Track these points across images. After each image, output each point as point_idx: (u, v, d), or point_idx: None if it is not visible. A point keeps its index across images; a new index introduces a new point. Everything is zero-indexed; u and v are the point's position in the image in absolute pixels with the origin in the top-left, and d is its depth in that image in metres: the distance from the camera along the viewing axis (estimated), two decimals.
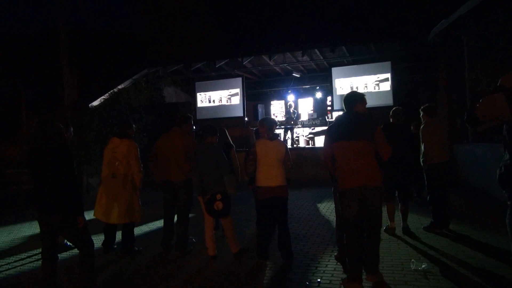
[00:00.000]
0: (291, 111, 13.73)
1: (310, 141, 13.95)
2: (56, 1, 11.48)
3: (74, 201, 3.39)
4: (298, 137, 14.52)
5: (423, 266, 3.87)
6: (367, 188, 3.47)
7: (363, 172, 3.47)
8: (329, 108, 14.83)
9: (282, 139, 11.29)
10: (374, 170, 3.52)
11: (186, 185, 4.87)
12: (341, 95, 12.42)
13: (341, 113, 9.98)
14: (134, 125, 5.13)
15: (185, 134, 5.03)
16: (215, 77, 14.54)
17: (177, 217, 4.90)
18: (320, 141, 12.93)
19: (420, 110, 5.48)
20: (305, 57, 13.14)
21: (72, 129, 5.05)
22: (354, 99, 3.71)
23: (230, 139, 5.77)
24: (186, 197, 4.90)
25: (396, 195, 5.27)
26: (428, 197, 5.35)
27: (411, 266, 3.93)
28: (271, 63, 13.71)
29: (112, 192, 4.72)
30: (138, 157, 4.87)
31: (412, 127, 7.05)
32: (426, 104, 5.46)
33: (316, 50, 12.52)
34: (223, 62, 13.44)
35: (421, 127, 5.30)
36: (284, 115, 14.26)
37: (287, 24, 12.31)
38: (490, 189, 7.51)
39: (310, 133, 14.18)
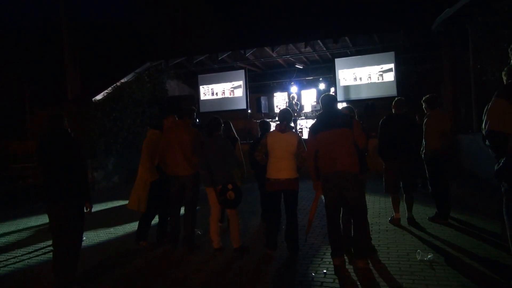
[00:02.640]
0: (294, 102, 13.68)
1: None
2: None
3: (81, 187, 3.52)
4: (301, 128, 14.49)
5: (429, 256, 3.87)
6: (344, 173, 3.77)
7: (339, 159, 3.79)
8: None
9: None
10: (351, 157, 3.80)
11: (193, 180, 4.85)
12: (345, 86, 12.38)
13: (344, 104, 10.00)
14: (137, 119, 5.16)
15: (190, 126, 5.02)
16: (218, 70, 14.50)
17: (185, 211, 4.89)
18: None
19: (422, 101, 5.44)
20: (308, 49, 13.08)
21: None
22: (332, 100, 4.18)
23: (235, 132, 5.76)
24: (194, 191, 4.89)
25: (401, 186, 5.26)
26: (430, 189, 5.34)
27: (417, 257, 3.93)
28: (274, 54, 13.65)
29: (140, 180, 4.92)
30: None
31: (417, 118, 7.01)
32: (428, 95, 5.41)
33: (319, 41, 12.45)
34: (226, 55, 13.39)
35: (424, 120, 5.27)
36: (287, 107, 14.20)
37: (290, 16, 12.20)
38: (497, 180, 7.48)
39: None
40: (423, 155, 5.27)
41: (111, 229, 6.03)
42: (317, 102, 15.33)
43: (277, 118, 4.59)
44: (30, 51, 14.57)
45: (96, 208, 7.68)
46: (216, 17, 13.12)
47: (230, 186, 4.40)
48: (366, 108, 12.67)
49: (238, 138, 5.81)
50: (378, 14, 11.20)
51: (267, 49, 13.13)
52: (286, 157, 4.32)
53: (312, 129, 4.02)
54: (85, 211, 3.65)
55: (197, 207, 4.98)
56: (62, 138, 3.57)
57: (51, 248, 5.14)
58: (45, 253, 5.05)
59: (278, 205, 4.49)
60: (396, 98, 5.37)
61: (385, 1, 11.15)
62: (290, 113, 4.56)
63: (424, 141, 5.22)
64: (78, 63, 11.81)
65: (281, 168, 4.32)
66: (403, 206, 5.32)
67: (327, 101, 4.09)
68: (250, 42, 12.43)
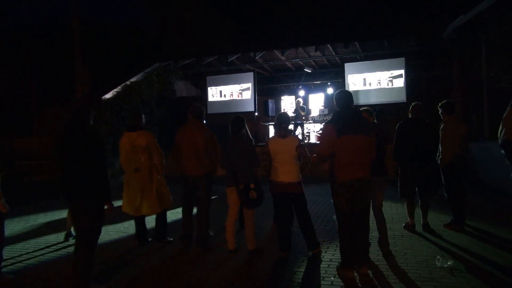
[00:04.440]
0: (300, 106, 13.59)
1: None
2: None
3: (103, 186, 3.45)
4: (308, 132, 14.46)
5: (448, 263, 3.82)
6: (361, 180, 3.64)
7: (361, 166, 3.64)
8: None
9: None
10: (369, 163, 3.74)
11: (206, 179, 4.81)
12: (354, 91, 12.31)
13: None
14: (143, 116, 5.10)
15: (204, 127, 4.98)
16: (226, 72, 14.50)
17: (197, 211, 4.86)
18: None
19: (438, 107, 5.39)
20: (317, 53, 13.07)
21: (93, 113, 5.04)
22: (351, 98, 3.83)
23: (249, 133, 5.73)
24: (206, 191, 4.85)
25: (416, 191, 5.21)
26: (446, 195, 5.28)
27: (437, 263, 3.88)
28: (283, 58, 13.66)
29: (139, 186, 4.73)
30: (158, 147, 4.89)
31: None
32: (445, 101, 5.36)
33: (328, 45, 12.44)
34: (235, 57, 13.39)
35: (441, 126, 5.22)
36: (293, 111, 14.15)
37: (301, 19, 12.20)
38: (509, 188, 7.41)
39: (321, 129, 14.09)
40: (439, 161, 5.21)
41: (121, 227, 6.00)
42: (325, 106, 15.33)
43: (275, 123, 4.53)
44: (39, 49, 14.63)
45: None
46: (226, 18, 13.13)
47: (252, 186, 4.37)
48: (374, 114, 12.60)
49: (253, 139, 5.78)
50: (389, 20, 11.19)
51: (277, 52, 13.14)
52: (289, 161, 4.31)
53: (337, 129, 3.60)
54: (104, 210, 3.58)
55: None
56: (85, 134, 3.49)
57: (61, 245, 5.19)
58: (57, 250, 5.02)
59: (285, 207, 4.46)
60: (413, 103, 5.31)
61: (397, 7, 11.13)
62: (289, 117, 4.56)
63: (441, 147, 5.17)
64: (88, 62, 11.83)
65: (284, 172, 4.31)
66: (417, 212, 5.27)
67: (346, 99, 3.77)
68: (260, 45, 12.44)
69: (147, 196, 4.72)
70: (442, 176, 5.24)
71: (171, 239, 5.14)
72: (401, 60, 11.78)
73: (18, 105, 14.38)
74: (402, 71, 11.72)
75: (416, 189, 5.18)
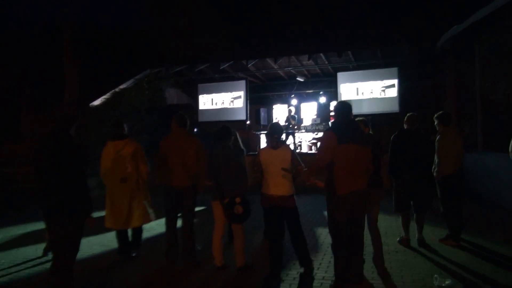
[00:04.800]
0: (291, 116, 13.44)
1: (313, 146, 13.72)
2: None
3: (82, 200, 3.24)
4: (300, 142, 14.31)
5: (447, 282, 3.64)
6: (360, 192, 3.55)
7: (360, 177, 3.56)
8: (332, 113, 14.62)
9: None
10: (367, 175, 3.66)
11: (192, 190, 4.60)
12: (346, 101, 12.20)
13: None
14: (135, 127, 4.91)
15: (191, 135, 4.79)
16: (218, 79, 14.32)
17: (183, 224, 4.63)
18: None
19: (434, 118, 5.25)
20: (310, 62, 12.95)
21: (75, 125, 4.86)
22: (351, 109, 3.78)
23: (241, 143, 5.53)
24: (191, 203, 4.64)
25: (411, 205, 5.04)
26: (441, 209, 5.12)
27: (434, 282, 3.69)
28: (275, 66, 13.53)
29: (126, 197, 4.53)
30: (145, 157, 4.68)
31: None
32: (441, 112, 5.22)
33: (321, 54, 12.34)
34: (227, 65, 13.23)
35: (437, 137, 5.08)
36: (285, 120, 13.99)
37: (294, 27, 12.11)
38: (503, 200, 7.29)
39: (313, 138, 13.96)
40: (435, 174, 5.06)
41: (105, 240, 5.73)
42: (317, 115, 15.21)
43: (267, 132, 4.33)
44: (28, 52, 14.31)
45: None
46: (219, 26, 13.00)
47: (238, 200, 4.15)
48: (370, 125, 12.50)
49: (244, 149, 5.59)
50: (383, 29, 11.13)
51: (269, 61, 13.00)
52: (281, 173, 4.08)
53: (338, 136, 3.49)
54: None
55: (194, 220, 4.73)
56: (65, 144, 3.26)
57: (40, 260, 4.92)
58: (35, 265, 4.76)
59: (276, 221, 4.23)
60: (408, 114, 5.17)
61: (390, 17, 11.09)
62: (281, 127, 4.35)
63: (437, 159, 5.02)
64: (78, 67, 11.59)
65: (276, 184, 4.10)
66: (412, 225, 5.10)
67: (346, 110, 3.73)
68: (253, 53, 12.29)
69: (137, 207, 4.53)
70: (438, 189, 5.09)
71: (134, 254, 4.91)
72: (394, 70, 11.72)
73: (5, 109, 13.99)
74: (395, 81, 11.66)
75: (411, 202, 5.02)
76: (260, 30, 12.34)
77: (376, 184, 4.07)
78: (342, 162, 3.48)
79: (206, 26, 13.23)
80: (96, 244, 5.56)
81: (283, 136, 4.40)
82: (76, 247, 3.33)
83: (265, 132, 5.97)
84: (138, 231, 4.96)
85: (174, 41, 13.34)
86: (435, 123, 5.17)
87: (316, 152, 12.96)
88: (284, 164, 4.09)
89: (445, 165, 4.91)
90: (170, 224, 4.68)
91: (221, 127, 4.51)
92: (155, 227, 6.34)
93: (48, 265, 4.51)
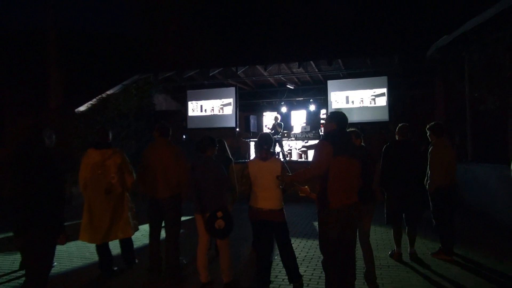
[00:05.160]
0: (277, 123, 13.31)
1: (303, 155, 13.63)
2: (47, 0, 11.05)
3: (55, 215, 3.00)
4: (290, 149, 14.20)
5: None
6: (354, 206, 3.44)
7: (353, 190, 3.45)
8: (322, 121, 14.58)
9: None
10: (357, 189, 3.54)
11: (172, 202, 4.42)
12: (337, 109, 12.15)
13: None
14: (122, 133, 4.69)
15: (170, 144, 4.62)
16: (208, 86, 14.17)
17: (166, 238, 4.44)
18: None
19: (426, 129, 5.16)
20: (300, 69, 12.89)
21: (54, 136, 4.63)
22: (347, 119, 3.62)
23: (229, 152, 5.38)
24: (174, 214, 4.45)
25: (403, 217, 4.93)
26: (434, 222, 5.01)
27: None
28: (265, 73, 13.43)
29: (109, 209, 4.28)
30: (131, 167, 4.49)
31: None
32: (433, 123, 5.13)
33: (311, 62, 12.29)
34: (217, 71, 13.10)
35: (429, 148, 4.99)
36: (271, 128, 13.87)
37: (284, 35, 12.04)
38: (493, 211, 7.25)
39: (303, 146, 13.87)
40: (427, 186, 4.96)
41: (87, 253, 5.50)
42: (307, 123, 15.14)
43: (256, 144, 4.19)
44: (12, 55, 13.98)
45: (70, 223, 7.14)
46: (208, 32, 12.86)
47: (219, 214, 3.95)
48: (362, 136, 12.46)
49: (232, 159, 5.44)
50: (373, 38, 11.13)
51: (259, 68, 12.90)
52: (270, 186, 3.93)
53: (333, 148, 3.34)
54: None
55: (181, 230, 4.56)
56: (36, 154, 3.06)
57: (16, 274, 4.68)
58: (9, 280, 4.51)
59: (264, 236, 4.07)
60: (400, 124, 5.07)
61: (380, 26, 11.10)
62: (271, 137, 4.19)
63: (430, 170, 4.92)
64: (63, 71, 11.34)
65: (264, 197, 3.93)
66: (404, 239, 4.99)
67: (344, 121, 3.57)
68: (243, 59, 12.18)
69: (119, 220, 4.28)
70: (430, 201, 4.99)
71: (116, 268, 4.68)
72: (384, 78, 11.70)
73: None
74: (384, 90, 11.64)
75: (403, 215, 4.91)
76: (250, 37, 12.25)
77: (369, 199, 3.95)
78: (336, 175, 3.34)
79: (195, 32, 13.08)
80: (77, 257, 5.33)
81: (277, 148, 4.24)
82: (47, 265, 3.13)
83: (255, 139, 5.84)
84: (127, 244, 4.73)
85: (163, 47, 13.17)
86: (428, 134, 5.09)
87: (305, 160, 12.88)
88: (273, 176, 3.95)
89: (438, 177, 4.81)
90: (154, 236, 4.50)
91: (203, 137, 4.32)
92: (140, 238, 6.14)
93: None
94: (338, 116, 3.61)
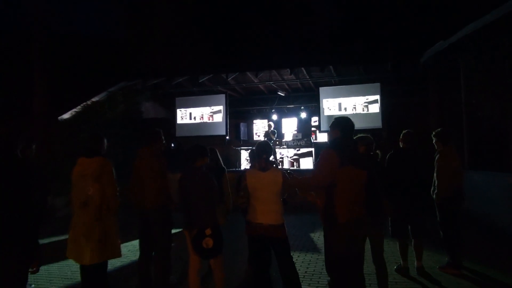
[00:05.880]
0: (271, 131, 13.07)
1: (295, 163, 13.35)
2: (31, 4, 10.64)
3: (28, 236, 2.63)
4: (282, 158, 13.91)
5: None
6: (363, 219, 3.19)
7: (361, 203, 3.17)
8: (313, 128, 14.37)
9: None
10: (364, 200, 3.26)
11: (161, 214, 4.10)
12: (329, 116, 11.94)
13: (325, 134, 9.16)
14: (105, 140, 4.23)
15: (156, 154, 4.30)
16: (197, 93, 13.84)
17: (155, 254, 4.09)
18: (306, 163, 12.35)
19: (432, 136, 4.92)
20: (291, 76, 12.68)
21: (34, 146, 4.23)
22: (353, 126, 3.35)
23: (221, 161, 5.06)
24: (161, 229, 4.11)
25: (409, 230, 4.65)
26: (441, 234, 4.75)
27: None
28: (256, 80, 13.18)
29: (83, 226, 3.72)
30: (113, 178, 4.00)
31: (378, 153, 6.50)
32: (439, 129, 4.90)
33: (303, 68, 12.09)
34: (206, 78, 12.79)
35: (436, 157, 4.74)
36: (264, 135, 13.62)
37: (275, 42, 11.83)
38: (494, 220, 7.04)
39: (295, 154, 13.59)
40: (434, 196, 4.70)
41: (68, 272, 5.07)
42: (298, 130, 14.88)
43: (254, 153, 3.87)
44: None
45: (52, 239, 6.69)
46: (198, 38, 12.58)
47: (208, 232, 3.60)
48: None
49: (225, 168, 5.12)
50: (366, 45, 10.98)
51: (250, 75, 12.64)
52: (270, 199, 3.62)
53: (340, 157, 3.11)
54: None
55: (172, 244, 4.19)
56: (6, 164, 2.73)
57: None
58: None
59: (263, 253, 3.75)
60: (404, 131, 4.83)
61: (374, 32, 10.96)
62: (270, 147, 3.86)
63: (436, 180, 4.67)
64: (47, 77, 10.89)
65: (264, 211, 3.61)
66: (410, 252, 4.71)
67: (350, 128, 3.32)
68: (233, 66, 11.90)
69: (93, 240, 3.65)
70: (437, 212, 4.73)
71: None
72: (377, 85, 11.56)
73: None
74: (377, 97, 11.50)
75: (409, 227, 4.64)
76: (241, 43, 12.00)
77: (379, 211, 3.67)
78: (344, 187, 3.07)
79: (185, 38, 12.78)
80: (57, 277, 4.90)
81: (272, 158, 3.90)
82: (21, 282, 2.75)
83: (247, 148, 5.54)
84: (97, 269, 3.84)
85: (151, 53, 12.83)
86: (433, 141, 4.84)
87: (297, 168, 12.60)
88: (274, 187, 3.63)
89: (446, 187, 4.56)
90: (143, 252, 4.15)
91: (193, 146, 3.98)
92: (128, 254, 5.73)
93: None
94: (342, 122, 3.35)
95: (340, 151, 3.13)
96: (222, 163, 5.11)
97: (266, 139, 12.72)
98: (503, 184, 6.76)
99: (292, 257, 3.78)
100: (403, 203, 4.54)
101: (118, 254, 3.78)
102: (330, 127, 3.44)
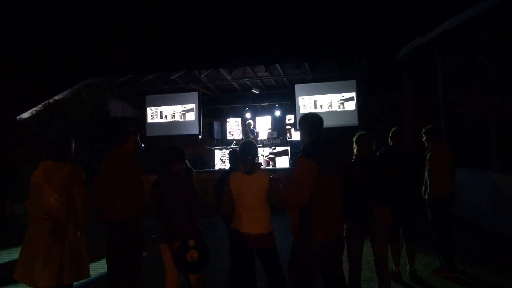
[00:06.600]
0: (249, 129, 12.74)
1: (271, 162, 13.05)
2: None
3: None
4: (258, 157, 13.58)
5: None
6: (340, 237, 2.91)
7: (340, 217, 2.84)
8: (288, 127, 14.12)
9: None
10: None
11: (131, 226, 3.61)
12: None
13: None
14: (73, 142, 3.71)
15: (129, 156, 3.84)
16: (168, 91, 13.28)
17: (125, 274, 3.62)
18: (282, 162, 12.07)
19: (422, 133, 4.71)
20: (266, 73, 12.37)
21: None
22: (321, 122, 2.91)
23: (187, 161, 4.64)
24: (131, 243, 3.63)
25: (400, 233, 4.42)
26: (434, 236, 4.54)
27: None
28: (230, 77, 12.78)
29: (42, 242, 3.17)
30: (85, 187, 3.44)
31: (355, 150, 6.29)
32: (430, 126, 4.68)
33: (277, 65, 11.80)
34: (178, 75, 12.27)
35: (427, 155, 4.53)
36: (243, 134, 13.25)
37: (249, 37, 11.47)
38: (478, 218, 6.97)
39: (270, 153, 13.30)
40: (426, 196, 4.49)
41: None
42: (272, 129, 14.60)
43: (237, 153, 3.52)
44: None
45: (10, 254, 6.07)
46: (169, 33, 12.02)
47: (192, 243, 3.21)
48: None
49: (193, 168, 4.74)
50: (341, 41, 10.81)
51: (223, 72, 12.23)
52: (257, 205, 3.28)
53: (320, 166, 2.65)
54: None
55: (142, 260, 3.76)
56: None
57: None
58: None
59: (248, 264, 3.43)
60: (393, 128, 4.57)
61: (350, 28, 10.80)
62: (256, 146, 3.53)
63: (429, 179, 4.45)
64: (5, 73, 10.08)
65: (251, 219, 3.26)
66: (403, 257, 4.47)
67: (319, 125, 2.89)
68: (206, 62, 11.44)
69: (53, 259, 3.13)
70: (429, 213, 4.52)
71: None
72: (353, 82, 11.46)
73: None
74: (353, 94, 11.40)
75: (400, 230, 4.40)
76: (214, 39, 11.55)
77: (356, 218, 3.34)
78: (323, 202, 2.68)
79: (154, 33, 12.19)
80: None
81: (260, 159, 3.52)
82: None
83: (221, 147, 5.16)
84: None
85: (118, 48, 12.15)
86: (424, 138, 4.63)
87: (273, 167, 12.30)
88: (261, 192, 3.28)
89: (438, 186, 4.36)
90: (112, 274, 3.65)
91: (169, 147, 3.58)
92: (92, 273, 5.22)
93: None
94: (308, 120, 2.92)
95: (319, 158, 2.69)
96: (189, 164, 4.69)
97: (245, 137, 12.35)
98: (485, 181, 6.70)
99: (281, 267, 3.44)
100: (395, 205, 4.28)
101: (85, 275, 3.29)
102: (299, 127, 3.02)
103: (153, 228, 3.54)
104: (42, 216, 3.19)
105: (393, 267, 4.43)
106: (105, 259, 3.79)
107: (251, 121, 13.10)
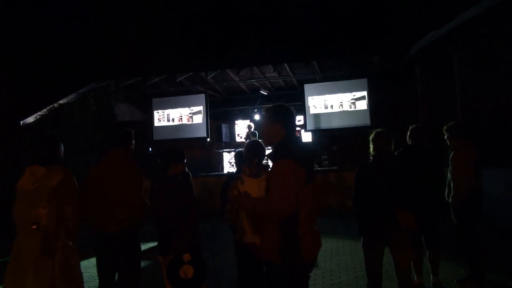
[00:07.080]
0: (251, 132, 12.44)
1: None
2: None
3: None
4: (267, 159, 13.28)
5: None
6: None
7: (318, 234, 2.40)
8: (298, 128, 13.80)
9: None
10: None
11: (128, 238, 3.30)
12: (315, 114, 11.39)
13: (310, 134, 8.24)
14: (62, 145, 3.42)
15: (131, 159, 3.54)
16: (175, 93, 13.07)
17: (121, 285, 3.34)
18: None
19: (444, 130, 4.35)
20: (274, 73, 12.09)
21: None
22: (293, 114, 2.43)
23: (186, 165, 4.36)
24: (130, 257, 3.34)
25: (423, 239, 4.07)
26: (460, 241, 4.18)
27: None
28: (237, 79, 12.52)
29: (31, 254, 2.95)
30: (76, 194, 3.21)
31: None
32: (452, 123, 4.34)
33: (286, 65, 11.50)
34: (184, 77, 12.05)
35: (451, 154, 4.18)
36: (244, 137, 12.99)
37: (257, 37, 11.16)
38: (497, 220, 6.57)
39: (267, 155, 12.98)
40: (450, 198, 4.14)
41: None
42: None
43: (243, 155, 3.22)
44: None
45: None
46: (175, 34, 11.79)
47: (187, 257, 2.93)
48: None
49: (190, 173, 4.46)
50: (352, 38, 10.45)
51: (230, 73, 11.98)
52: None
53: (306, 169, 2.22)
54: None
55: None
56: None
57: None
58: None
59: (257, 273, 3.11)
60: (411, 126, 4.24)
61: (360, 24, 10.43)
62: (263, 147, 3.19)
63: (453, 181, 4.10)
64: (9, 77, 9.96)
65: (257, 228, 2.94)
66: (425, 265, 4.12)
67: (290, 118, 2.37)
68: (213, 63, 11.18)
69: (42, 272, 2.90)
70: (453, 217, 4.16)
71: None
72: (364, 81, 11.09)
73: None
74: (365, 93, 11.02)
75: (423, 236, 4.05)
76: (220, 39, 11.28)
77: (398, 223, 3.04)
78: (310, 212, 2.27)
79: (159, 35, 11.97)
80: None
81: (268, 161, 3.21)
82: None
83: (230, 150, 4.89)
84: None
85: (124, 51, 11.96)
86: (446, 136, 4.28)
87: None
88: None
89: (464, 187, 3.99)
90: (103, 283, 3.36)
91: (166, 150, 3.33)
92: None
93: None
94: (287, 110, 2.38)
95: (302, 159, 2.22)
96: (186, 168, 4.40)
97: (247, 141, 12.05)
98: (509, 180, 6.30)
99: None
100: (416, 210, 3.94)
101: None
102: (266, 120, 2.40)
103: (153, 232, 3.25)
104: (30, 226, 2.93)
105: (415, 278, 4.08)
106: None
107: (252, 124, 12.84)
